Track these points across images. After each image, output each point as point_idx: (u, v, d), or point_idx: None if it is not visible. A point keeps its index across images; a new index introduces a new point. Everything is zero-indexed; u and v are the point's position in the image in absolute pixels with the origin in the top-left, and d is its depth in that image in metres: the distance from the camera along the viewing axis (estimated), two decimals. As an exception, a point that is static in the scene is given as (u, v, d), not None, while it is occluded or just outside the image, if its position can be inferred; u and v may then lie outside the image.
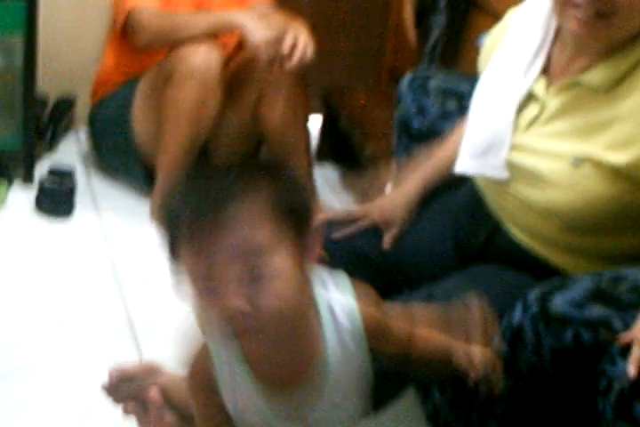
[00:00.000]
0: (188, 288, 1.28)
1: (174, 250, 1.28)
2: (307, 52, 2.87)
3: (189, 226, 1.23)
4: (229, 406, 1.42)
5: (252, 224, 1.23)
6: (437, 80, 2.42)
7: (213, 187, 1.25)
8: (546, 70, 1.98)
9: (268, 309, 1.25)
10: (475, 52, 2.24)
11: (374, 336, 1.43)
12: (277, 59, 2.88)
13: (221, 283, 1.23)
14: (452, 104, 2.38)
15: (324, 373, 1.40)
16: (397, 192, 2.21)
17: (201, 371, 1.40)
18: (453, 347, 1.55)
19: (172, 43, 2.96)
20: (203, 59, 2.90)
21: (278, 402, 1.40)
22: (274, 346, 1.36)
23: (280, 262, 1.25)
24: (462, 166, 2.06)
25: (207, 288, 1.24)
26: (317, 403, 1.42)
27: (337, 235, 2.14)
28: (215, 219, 1.22)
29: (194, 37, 2.91)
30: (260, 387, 1.39)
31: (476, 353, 1.54)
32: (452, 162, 2.11)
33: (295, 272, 1.28)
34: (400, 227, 2.16)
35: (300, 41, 2.87)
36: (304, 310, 1.36)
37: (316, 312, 1.39)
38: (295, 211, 1.28)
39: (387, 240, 2.14)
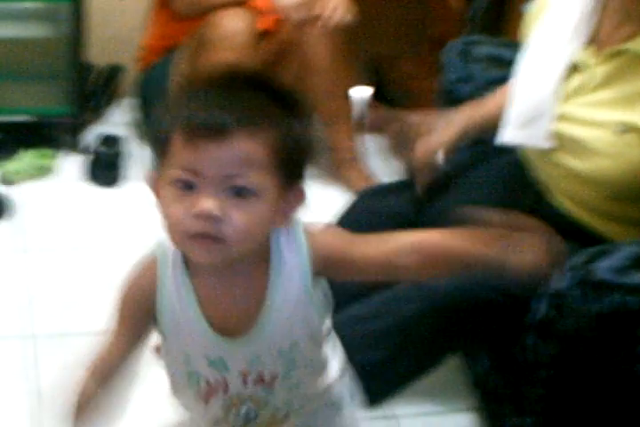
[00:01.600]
0: (164, 185, 1.26)
1: (162, 143, 1.26)
2: (338, 14, 2.86)
3: (193, 121, 1.22)
4: (165, 328, 1.39)
5: (252, 147, 1.22)
6: (482, 47, 2.41)
7: (229, 98, 1.24)
8: (591, 39, 1.97)
9: (237, 221, 1.23)
10: (520, 19, 2.23)
11: (328, 264, 1.37)
12: (308, 22, 2.89)
13: (203, 180, 1.22)
14: (496, 72, 2.37)
15: (266, 306, 1.36)
16: (434, 139, 2.19)
17: (142, 290, 1.38)
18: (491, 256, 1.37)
19: (206, 10, 2.98)
20: (232, 24, 2.92)
21: (225, 332, 1.37)
22: (225, 279, 1.34)
23: (262, 186, 1.24)
24: (507, 136, 2.06)
25: (187, 183, 1.23)
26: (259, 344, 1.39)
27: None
28: (214, 122, 1.21)
29: (226, 4, 2.94)
30: (207, 324, 1.36)
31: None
32: (491, 118, 2.10)
33: (272, 207, 1.26)
34: (433, 174, 2.16)
35: (331, 3, 2.88)
36: (261, 249, 1.33)
37: (267, 260, 1.36)
38: (293, 159, 1.27)
39: (420, 187, 2.15)
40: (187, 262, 1.35)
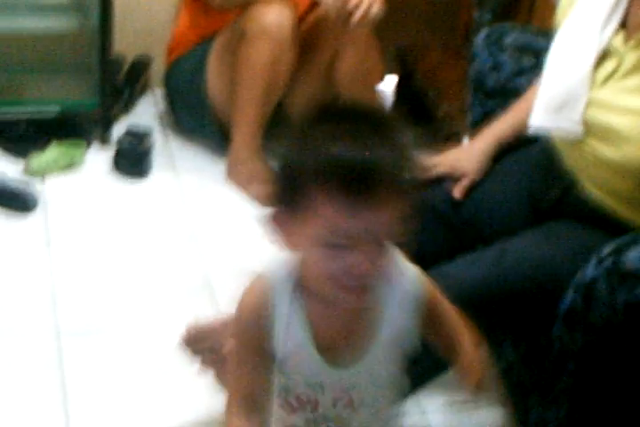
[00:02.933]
0: (306, 241, 1.26)
1: (296, 188, 1.23)
2: (372, 9, 2.84)
3: (340, 177, 1.19)
4: (277, 353, 1.40)
5: (399, 202, 1.22)
6: (513, 36, 2.39)
7: (370, 148, 1.20)
8: (624, 25, 1.95)
9: (382, 268, 1.26)
10: (548, 7, 2.21)
11: (426, 309, 1.43)
12: (346, 16, 2.87)
13: (354, 239, 1.22)
14: (527, 60, 2.35)
15: (376, 339, 1.40)
16: (471, 144, 2.20)
17: (256, 318, 1.38)
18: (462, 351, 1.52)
19: (244, 2, 2.97)
20: (275, 17, 2.90)
21: (331, 360, 1.39)
22: (338, 309, 1.36)
23: (399, 232, 1.25)
24: (537, 121, 2.03)
25: (338, 245, 1.23)
26: (360, 367, 1.41)
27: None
28: (371, 190, 1.19)
29: None
30: (315, 346, 1.38)
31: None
32: (525, 122, 2.08)
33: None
34: (471, 178, 2.14)
35: None
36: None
37: (378, 293, 1.38)
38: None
39: (457, 190, 2.13)
40: (301, 289, 1.36)
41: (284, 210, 1.27)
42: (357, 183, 1.18)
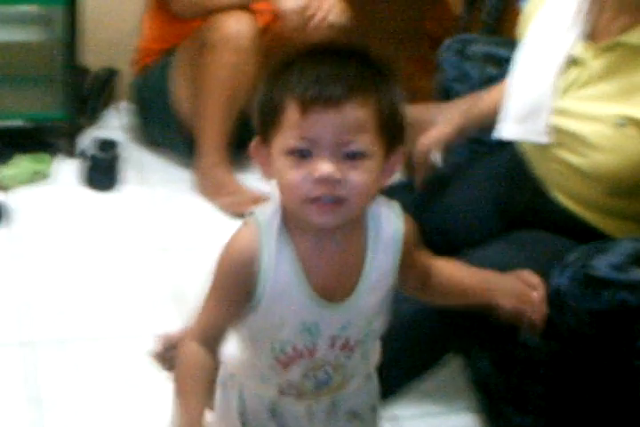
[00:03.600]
0: (275, 157, 1.32)
1: (272, 114, 1.32)
2: (330, 15, 2.87)
3: (303, 91, 1.28)
4: (262, 296, 1.40)
5: (363, 114, 1.28)
6: (477, 45, 2.41)
7: (337, 69, 1.30)
8: (588, 32, 1.97)
9: (355, 182, 1.29)
10: (516, 17, 2.22)
11: (407, 249, 1.46)
12: (304, 25, 2.90)
13: (320, 148, 1.28)
14: (492, 69, 2.37)
15: (364, 274, 1.43)
16: (433, 133, 2.18)
17: (244, 259, 1.39)
18: (495, 291, 1.63)
19: (208, 12, 2.97)
20: (235, 26, 2.91)
21: (324, 296, 1.42)
22: (325, 243, 1.39)
23: (371, 148, 1.30)
24: (506, 132, 2.05)
25: (303, 152, 1.29)
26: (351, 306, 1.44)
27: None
28: (331, 91, 1.27)
29: (227, 6, 2.93)
30: (309, 287, 1.40)
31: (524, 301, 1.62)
32: (490, 112, 2.10)
33: (379, 167, 1.33)
34: (432, 168, 2.15)
35: (324, 4, 2.88)
36: (364, 211, 1.41)
37: (365, 218, 1.43)
38: (394, 123, 1.33)
39: (418, 181, 2.14)
40: (288, 228, 1.39)
41: (260, 139, 1.36)
42: (321, 92, 1.27)
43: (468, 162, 2.20)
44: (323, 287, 1.42)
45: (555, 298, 1.77)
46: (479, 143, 2.33)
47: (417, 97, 3.19)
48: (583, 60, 1.93)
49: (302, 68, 1.31)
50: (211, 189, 3.05)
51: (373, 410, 1.64)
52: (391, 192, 2.22)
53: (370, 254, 1.43)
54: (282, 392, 1.52)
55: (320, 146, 1.28)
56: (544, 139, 1.96)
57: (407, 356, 1.97)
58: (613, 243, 1.79)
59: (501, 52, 2.38)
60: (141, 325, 2.45)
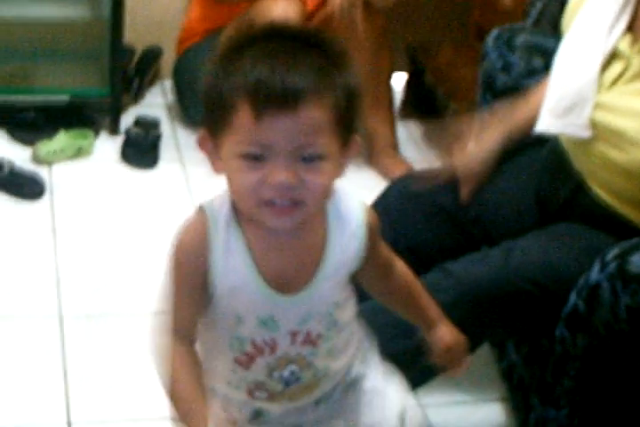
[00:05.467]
0: (226, 158, 1.26)
1: (222, 109, 1.25)
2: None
3: (256, 92, 1.20)
4: (216, 290, 1.38)
5: (320, 114, 1.22)
6: (523, 36, 2.39)
7: (281, 61, 1.22)
8: (631, 27, 1.95)
9: (312, 185, 1.24)
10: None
11: (371, 238, 1.42)
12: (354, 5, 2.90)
13: (274, 152, 1.22)
14: (537, 61, 2.35)
15: (322, 264, 1.39)
16: (477, 147, 2.19)
17: (194, 250, 1.36)
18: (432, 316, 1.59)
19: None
20: (281, 11, 2.91)
21: (279, 288, 1.38)
22: (281, 235, 1.35)
23: (329, 148, 1.25)
24: (544, 125, 2.03)
25: (256, 156, 1.23)
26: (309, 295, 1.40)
27: (416, 187, 2.14)
28: (286, 93, 1.20)
29: None
30: (261, 280, 1.36)
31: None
32: (533, 119, 2.08)
33: (337, 164, 1.28)
34: (478, 182, 2.14)
35: None
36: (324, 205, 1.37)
37: (324, 218, 1.39)
38: (350, 114, 1.27)
39: (464, 195, 2.13)
40: (238, 220, 1.35)
41: (209, 134, 1.30)
42: (276, 94, 1.20)
43: (511, 153, 2.19)
44: (277, 279, 1.37)
45: (592, 293, 1.77)
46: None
47: (460, 86, 3.19)
48: (626, 54, 1.92)
49: (254, 61, 1.23)
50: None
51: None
52: (425, 179, 2.24)
53: (331, 242, 1.38)
54: (252, 395, 1.47)
55: (274, 151, 1.22)
56: (585, 133, 1.95)
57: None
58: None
59: (548, 43, 2.36)
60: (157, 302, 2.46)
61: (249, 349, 1.42)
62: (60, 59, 3.20)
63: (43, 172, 2.95)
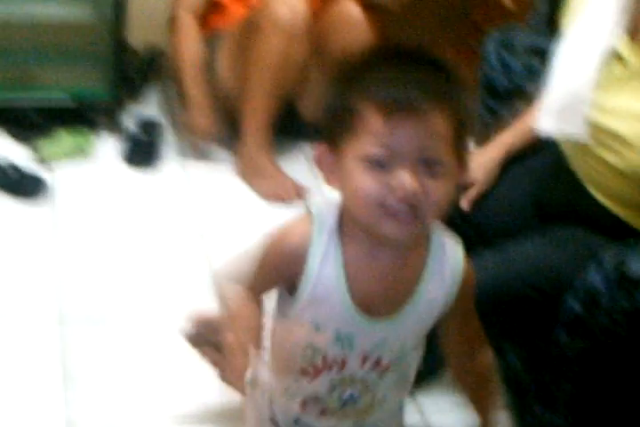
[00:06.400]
0: (348, 165, 1.28)
1: (345, 117, 1.28)
2: None
3: (386, 97, 1.25)
4: (303, 293, 1.39)
5: (442, 123, 1.26)
6: (523, 38, 2.39)
7: (416, 74, 1.27)
8: (629, 28, 1.95)
9: (433, 195, 1.26)
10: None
11: (464, 289, 1.44)
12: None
13: (398, 157, 1.25)
14: (537, 62, 2.35)
15: (414, 296, 1.40)
16: (481, 153, 2.19)
17: (291, 252, 1.38)
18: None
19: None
20: (289, 10, 2.91)
21: (365, 310, 1.39)
22: (379, 256, 1.36)
23: (448, 158, 1.28)
24: (542, 126, 2.04)
25: (380, 160, 1.25)
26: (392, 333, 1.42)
27: None
28: (415, 100, 1.24)
29: None
30: (349, 297, 1.37)
31: None
32: (534, 133, 2.09)
33: (453, 179, 1.30)
34: (480, 188, 2.14)
35: None
36: (429, 231, 1.39)
37: (429, 240, 1.41)
38: (465, 132, 1.31)
39: (465, 201, 2.13)
40: (342, 234, 1.36)
41: (327, 146, 1.32)
42: (405, 99, 1.24)
43: (515, 155, 2.19)
44: (365, 300, 1.38)
45: (590, 297, 1.77)
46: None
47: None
48: (624, 55, 1.92)
49: (380, 72, 1.28)
50: (250, 173, 3.05)
51: None
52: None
53: (427, 276, 1.40)
54: (304, 407, 1.49)
55: (401, 155, 1.25)
56: (582, 135, 1.95)
57: (434, 349, 1.98)
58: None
59: (547, 44, 2.36)
60: (176, 305, 2.47)
61: (319, 362, 1.44)
62: (62, 59, 3.19)
63: (43, 171, 2.96)
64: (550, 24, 2.96)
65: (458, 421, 2.20)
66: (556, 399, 1.91)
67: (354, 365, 1.43)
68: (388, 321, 1.40)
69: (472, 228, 2.13)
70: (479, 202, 2.14)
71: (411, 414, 2.15)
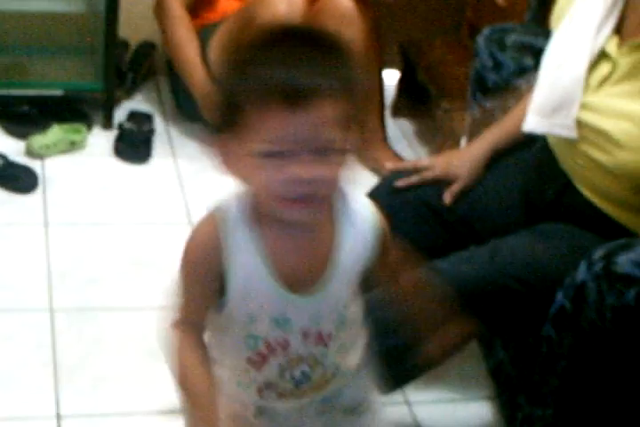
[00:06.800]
0: (244, 158, 1.27)
1: (235, 111, 1.27)
2: None
3: (273, 92, 1.23)
4: (230, 289, 1.38)
5: (332, 107, 1.25)
6: (514, 36, 2.39)
7: (299, 60, 1.25)
8: (619, 29, 1.96)
9: (329, 179, 1.27)
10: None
11: (382, 238, 1.45)
12: None
13: (291, 148, 1.24)
14: (528, 60, 2.36)
15: (335, 265, 1.40)
16: (466, 149, 2.20)
17: (207, 249, 1.37)
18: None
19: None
20: (287, 4, 2.92)
21: (293, 289, 1.39)
22: (293, 234, 1.37)
23: (340, 142, 1.27)
24: (531, 125, 2.04)
25: (275, 154, 1.25)
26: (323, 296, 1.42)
27: (400, 183, 2.15)
28: (302, 92, 1.23)
29: None
30: (274, 275, 1.37)
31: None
32: (521, 128, 2.10)
33: (346, 157, 1.30)
34: (463, 184, 2.15)
35: None
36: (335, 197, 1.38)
37: (333, 217, 1.41)
38: (355, 106, 1.30)
39: (447, 195, 2.14)
40: (251, 220, 1.36)
41: (223, 135, 1.31)
42: (290, 91, 1.22)
43: (497, 154, 2.20)
44: (289, 279, 1.38)
45: (578, 293, 1.78)
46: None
47: (452, 84, 3.20)
48: (614, 56, 1.93)
49: (266, 61, 1.25)
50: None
51: (371, 403, 1.61)
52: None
53: (342, 241, 1.40)
54: (261, 395, 1.49)
55: (294, 147, 1.25)
56: (571, 133, 1.96)
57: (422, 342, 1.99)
58: (637, 240, 1.79)
59: (539, 42, 2.37)
60: (163, 298, 2.47)
61: (262, 348, 1.44)
62: (55, 53, 3.20)
63: (36, 165, 2.96)
64: (541, 22, 2.98)
65: (444, 412, 2.22)
66: (542, 393, 1.92)
67: (296, 343, 1.43)
68: (317, 293, 1.40)
69: (464, 226, 2.14)
70: (468, 198, 2.15)
71: (397, 405, 2.18)
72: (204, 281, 1.40)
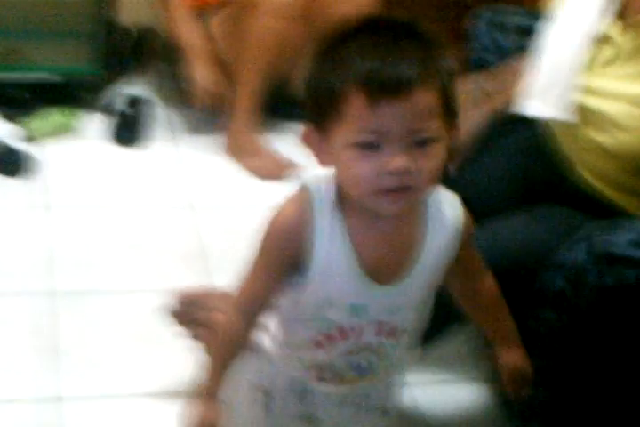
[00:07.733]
0: (338, 149, 1.27)
1: (331, 102, 1.26)
2: None
3: (369, 81, 1.22)
4: (311, 271, 1.37)
5: (430, 98, 1.24)
6: (511, 17, 2.39)
7: (389, 52, 1.23)
8: (622, 14, 1.96)
9: (426, 170, 1.26)
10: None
11: (464, 240, 1.44)
12: None
13: (389, 139, 1.24)
14: (528, 41, 2.35)
15: (418, 259, 1.40)
16: (463, 119, 2.18)
17: (292, 229, 1.36)
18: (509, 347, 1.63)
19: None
20: None
21: (375, 278, 1.39)
22: (381, 224, 1.36)
23: (439, 132, 1.26)
24: (531, 108, 2.04)
25: (371, 144, 1.24)
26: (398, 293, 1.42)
27: None
28: (398, 80, 1.21)
29: None
30: (360, 268, 1.37)
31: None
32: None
33: (445, 148, 1.29)
34: (464, 154, 2.14)
35: None
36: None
37: (424, 209, 1.40)
38: (452, 97, 1.29)
39: (449, 167, 2.14)
40: (341, 205, 1.35)
41: (314, 127, 1.30)
42: (388, 79, 1.21)
43: (494, 134, 2.20)
44: (374, 269, 1.38)
45: (577, 274, 1.78)
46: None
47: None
48: (613, 38, 1.93)
49: (360, 50, 1.24)
50: (239, 151, 3.06)
51: (395, 408, 1.63)
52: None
53: (429, 237, 1.40)
54: (319, 377, 1.49)
55: (390, 137, 1.23)
56: (570, 116, 1.96)
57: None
58: (629, 220, 1.79)
59: (533, 22, 2.36)
60: (165, 279, 2.48)
61: (334, 332, 1.43)
62: (53, 37, 3.18)
63: (33, 149, 2.95)
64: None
65: (443, 394, 2.22)
66: (540, 375, 1.92)
67: (369, 334, 1.43)
68: (400, 285, 1.40)
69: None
70: (466, 179, 2.14)
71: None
72: (281, 261, 1.39)
